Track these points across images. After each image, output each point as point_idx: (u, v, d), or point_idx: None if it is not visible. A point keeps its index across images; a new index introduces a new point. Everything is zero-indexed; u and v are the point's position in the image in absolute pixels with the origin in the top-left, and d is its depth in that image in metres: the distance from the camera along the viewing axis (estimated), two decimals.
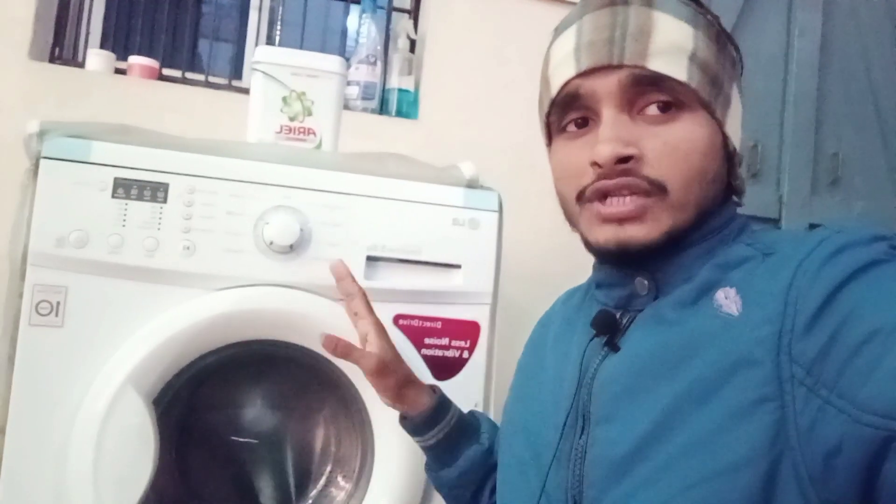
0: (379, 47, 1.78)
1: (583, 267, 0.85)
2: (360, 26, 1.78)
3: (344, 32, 1.99)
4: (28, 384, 0.90)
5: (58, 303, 0.91)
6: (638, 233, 0.60)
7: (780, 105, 2.09)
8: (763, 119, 2.07)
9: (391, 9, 1.87)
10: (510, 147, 1.80)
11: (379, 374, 0.85)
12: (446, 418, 0.85)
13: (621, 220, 0.61)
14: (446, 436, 0.85)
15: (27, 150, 0.94)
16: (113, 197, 0.93)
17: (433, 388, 0.89)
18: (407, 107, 1.79)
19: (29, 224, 0.91)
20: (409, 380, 0.87)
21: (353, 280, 0.93)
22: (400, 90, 1.78)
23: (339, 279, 0.93)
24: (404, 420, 0.87)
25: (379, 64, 1.77)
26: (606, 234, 0.62)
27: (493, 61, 1.83)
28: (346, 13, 1.95)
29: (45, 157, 0.92)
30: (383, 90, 1.80)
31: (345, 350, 0.86)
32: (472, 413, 0.92)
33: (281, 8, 1.96)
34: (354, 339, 0.90)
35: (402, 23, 1.87)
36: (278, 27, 1.98)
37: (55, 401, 0.90)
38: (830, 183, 2.13)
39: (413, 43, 1.86)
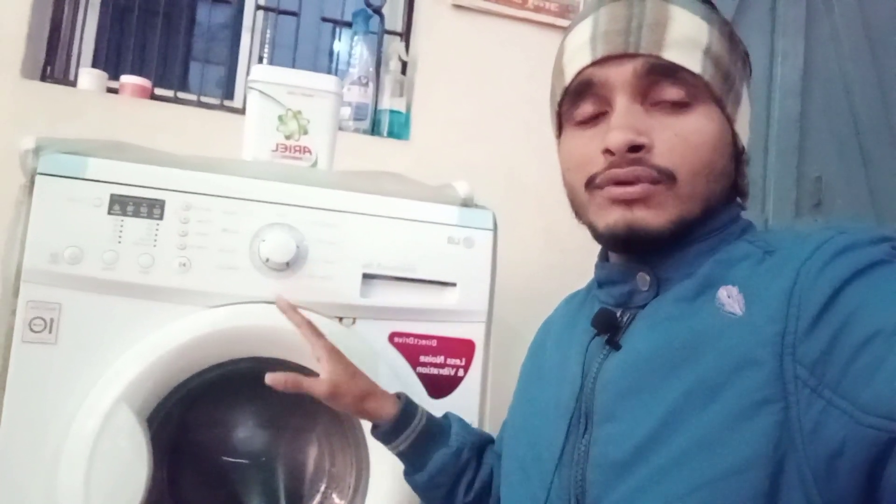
0: (371, 69, 1.80)
1: (575, 287, 0.86)
2: (353, 48, 1.80)
3: (331, 54, 2.01)
4: (20, 401, 0.89)
5: (51, 319, 0.91)
6: (646, 217, 0.61)
7: (764, 129, 2.12)
8: (747, 143, 2.10)
9: (383, 31, 1.89)
10: (501, 169, 1.81)
11: (332, 398, 0.85)
12: (412, 425, 0.86)
13: (630, 202, 0.61)
14: (414, 441, 0.86)
15: (22, 166, 0.94)
16: (109, 213, 0.93)
17: (398, 396, 0.89)
18: (398, 128, 1.80)
19: (23, 240, 0.90)
20: (368, 393, 0.87)
21: (296, 311, 0.91)
22: (391, 111, 1.80)
23: (284, 312, 0.92)
24: (374, 429, 0.88)
25: (371, 85, 1.79)
26: (615, 217, 0.62)
27: (485, 83, 1.85)
28: (337, 37, 1.97)
29: (40, 174, 0.91)
30: (375, 111, 1.81)
31: (294, 384, 0.83)
32: (445, 416, 0.92)
33: (270, 31, 1.98)
34: (353, 358, 0.90)
35: (394, 45, 1.89)
36: (266, 48, 1.99)
37: (47, 418, 0.89)
38: (814, 206, 2.16)
39: (405, 65, 1.88)
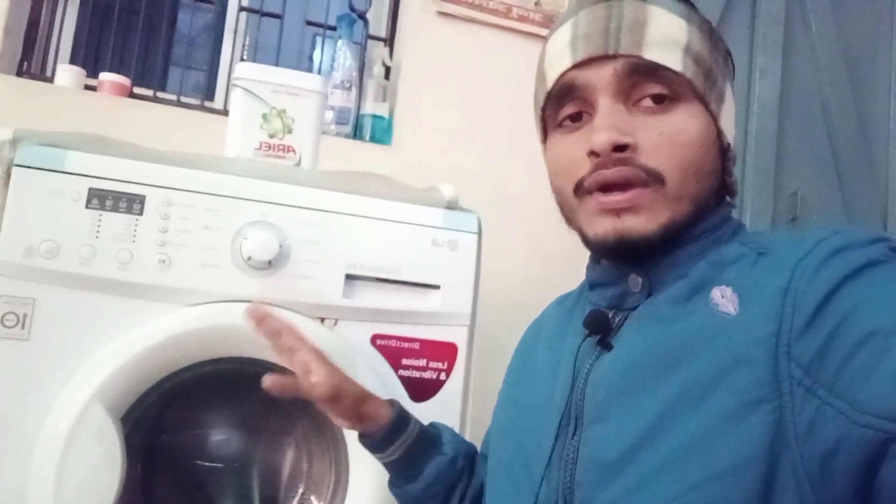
0: (354, 73, 1.79)
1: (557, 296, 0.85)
2: (336, 52, 1.79)
3: (311, 60, 2.00)
4: None
5: (24, 315, 0.88)
6: (637, 224, 0.60)
7: (742, 144, 2.14)
8: (733, 141, 2.12)
9: (367, 36, 1.89)
10: (485, 177, 1.81)
11: (333, 399, 0.76)
12: (407, 431, 0.80)
13: (620, 211, 0.61)
14: (408, 449, 0.80)
15: None
16: (87, 207, 0.91)
17: (391, 402, 0.83)
18: (381, 133, 1.79)
19: None
20: (364, 396, 0.80)
21: (275, 318, 0.79)
22: (374, 116, 1.79)
23: (260, 321, 0.77)
24: (363, 438, 0.81)
25: (354, 90, 1.78)
26: (605, 226, 0.62)
27: (468, 91, 1.85)
28: (318, 45, 1.96)
29: (17, 165, 0.89)
30: (357, 116, 1.80)
31: (292, 388, 0.76)
32: (432, 424, 0.87)
33: (253, 34, 1.96)
34: (334, 360, 0.85)
35: (378, 50, 1.88)
36: (248, 51, 1.98)
37: (18, 416, 0.87)
38: (790, 221, 2.18)
39: (388, 70, 1.87)
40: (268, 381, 0.75)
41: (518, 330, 0.88)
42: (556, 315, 0.80)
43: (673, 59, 0.61)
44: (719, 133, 0.65)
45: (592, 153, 0.61)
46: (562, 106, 0.66)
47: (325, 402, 0.76)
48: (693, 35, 0.63)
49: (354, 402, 0.78)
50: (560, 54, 0.65)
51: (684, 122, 0.61)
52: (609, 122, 0.60)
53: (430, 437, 0.84)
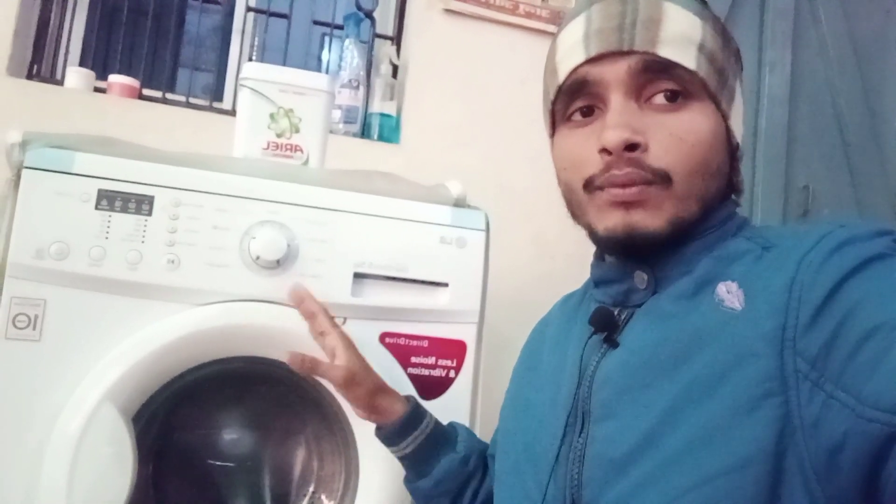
0: (362, 72, 1.79)
1: (563, 293, 0.85)
2: (344, 51, 1.79)
3: (319, 60, 2.00)
4: (2, 399, 0.87)
5: (36, 316, 0.89)
6: (643, 219, 0.60)
7: (752, 139, 2.13)
8: (741, 139, 2.12)
9: (374, 35, 1.89)
10: (491, 174, 1.81)
11: (348, 385, 0.83)
12: (421, 426, 0.84)
13: (628, 205, 0.60)
14: (421, 444, 0.83)
15: (9, 159, 0.92)
16: (96, 208, 0.91)
17: (407, 398, 0.88)
18: (388, 132, 1.79)
19: (8, 235, 0.88)
20: (380, 388, 0.86)
21: (314, 299, 0.91)
22: (382, 115, 1.79)
23: (300, 302, 0.90)
24: (379, 430, 0.86)
25: (361, 88, 1.78)
26: (615, 220, 0.61)
27: (475, 88, 1.85)
28: (326, 46, 1.96)
29: (27, 167, 0.90)
30: (365, 115, 1.81)
31: (312, 365, 0.83)
32: (450, 424, 0.91)
33: (260, 34, 1.97)
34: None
35: (385, 49, 1.88)
36: (256, 51, 1.98)
37: (30, 417, 0.87)
38: (801, 215, 2.17)
39: (395, 69, 1.87)
40: (289, 356, 0.82)
41: (523, 327, 0.88)
42: (561, 313, 0.80)
43: (687, 58, 0.61)
44: (729, 132, 0.64)
45: (604, 150, 0.60)
46: (572, 101, 0.66)
47: (340, 385, 0.84)
48: (707, 33, 0.62)
49: (370, 393, 0.84)
50: (572, 49, 0.65)
51: (695, 121, 0.61)
52: (622, 119, 0.60)
53: (445, 434, 0.86)
